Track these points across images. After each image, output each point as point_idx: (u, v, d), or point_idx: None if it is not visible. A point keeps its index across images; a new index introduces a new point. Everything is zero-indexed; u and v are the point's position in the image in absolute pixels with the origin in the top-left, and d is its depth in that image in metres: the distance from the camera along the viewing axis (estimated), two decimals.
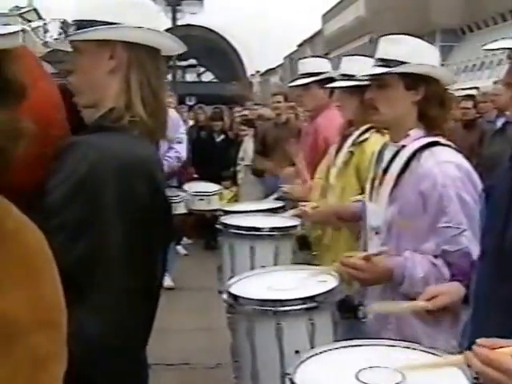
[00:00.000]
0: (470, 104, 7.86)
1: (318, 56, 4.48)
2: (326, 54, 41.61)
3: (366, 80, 2.60)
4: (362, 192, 3.03)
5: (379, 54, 2.47)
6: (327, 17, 46.69)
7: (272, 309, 2.34)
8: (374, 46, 2.50)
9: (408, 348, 1.90)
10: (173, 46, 1.69)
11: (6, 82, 0.59)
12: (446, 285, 2.14)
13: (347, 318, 2.57)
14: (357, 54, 3.56)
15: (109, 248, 1.45)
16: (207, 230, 8.59)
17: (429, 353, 1.84)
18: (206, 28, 38.77)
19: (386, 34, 2.50)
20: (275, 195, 4.65)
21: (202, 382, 5.21)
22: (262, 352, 2.38)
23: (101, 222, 1.44)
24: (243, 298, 2.40)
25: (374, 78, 2.44)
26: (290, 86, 4.44)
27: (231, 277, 3.13)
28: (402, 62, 2.38)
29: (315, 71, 4.11)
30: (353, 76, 3.13)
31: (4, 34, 0.55)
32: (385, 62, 2.42)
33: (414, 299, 2.21)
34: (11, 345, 0.59)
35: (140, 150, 1.58)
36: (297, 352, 2.36)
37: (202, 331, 6.05)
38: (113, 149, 1.52)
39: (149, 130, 1.61)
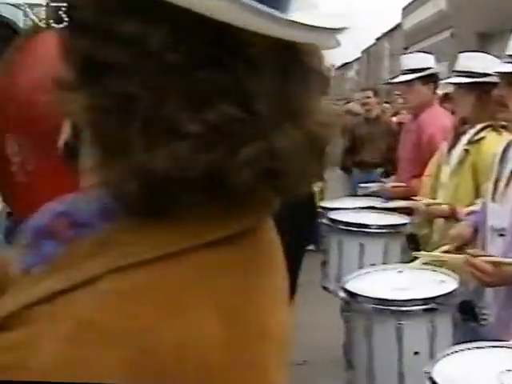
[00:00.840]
0: None
1: (422, 51, 4.39)
2: (405, 48, 40.80)
3: (488, 77, 2.55)
4: (477, 191, 2.96)
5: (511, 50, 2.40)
6: (407, 10, 45.82)
7: (392, 308, 2.32)
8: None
9: None
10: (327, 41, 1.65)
11: (315, 73, 0.58)
12: None
13: (465, 320, 2.51)
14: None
15: None
16: None
17: None
18: None
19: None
20: (368, 191, 4.60)
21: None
22: (379, 351, 2.37)
23: None
24: (362, 296, 2.38)
25: (505, 75, 2.37)
26: (393, 83, 4.37)
27: (338, 273, 3.13)
28: None
29: (419, 67, 4.04)
30: (470, 73, 3.06)
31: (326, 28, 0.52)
32: None
33: None
34: (283, 355, 0.61)
35: None
36: (416, 353, 2.34)
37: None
38: None
39: None
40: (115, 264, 0.51)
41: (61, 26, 0.56)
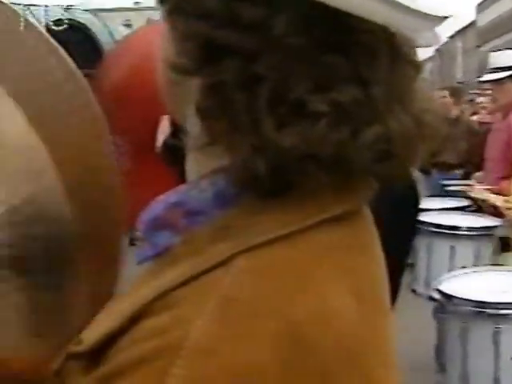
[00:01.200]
0: None
1: (500, 49, 4.25)
2: (478, 46, 39.77)
3: None
4: None
5: None
6: (482, 7, 44.63)
7: (490, 311, 2.27)
8: None
9: None
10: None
11: (411, 62, 0.58)
12: None
13: None
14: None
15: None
16: None
17: None
18: None
19: None
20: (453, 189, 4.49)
21: None
22: (474, 355, 2.32)
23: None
24: (458, 298, 2.33)
25: None
26: (481, 81, 4.26)
27: (427, 276, 3.08)
28: None
29: (509, 65, 3.92)
30: None
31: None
32: None
33: None
34: None
35: None
36: None
37: None
38: None
39: None
40: (245, 245, 0.52)
41: (174, 14, 0.57)
